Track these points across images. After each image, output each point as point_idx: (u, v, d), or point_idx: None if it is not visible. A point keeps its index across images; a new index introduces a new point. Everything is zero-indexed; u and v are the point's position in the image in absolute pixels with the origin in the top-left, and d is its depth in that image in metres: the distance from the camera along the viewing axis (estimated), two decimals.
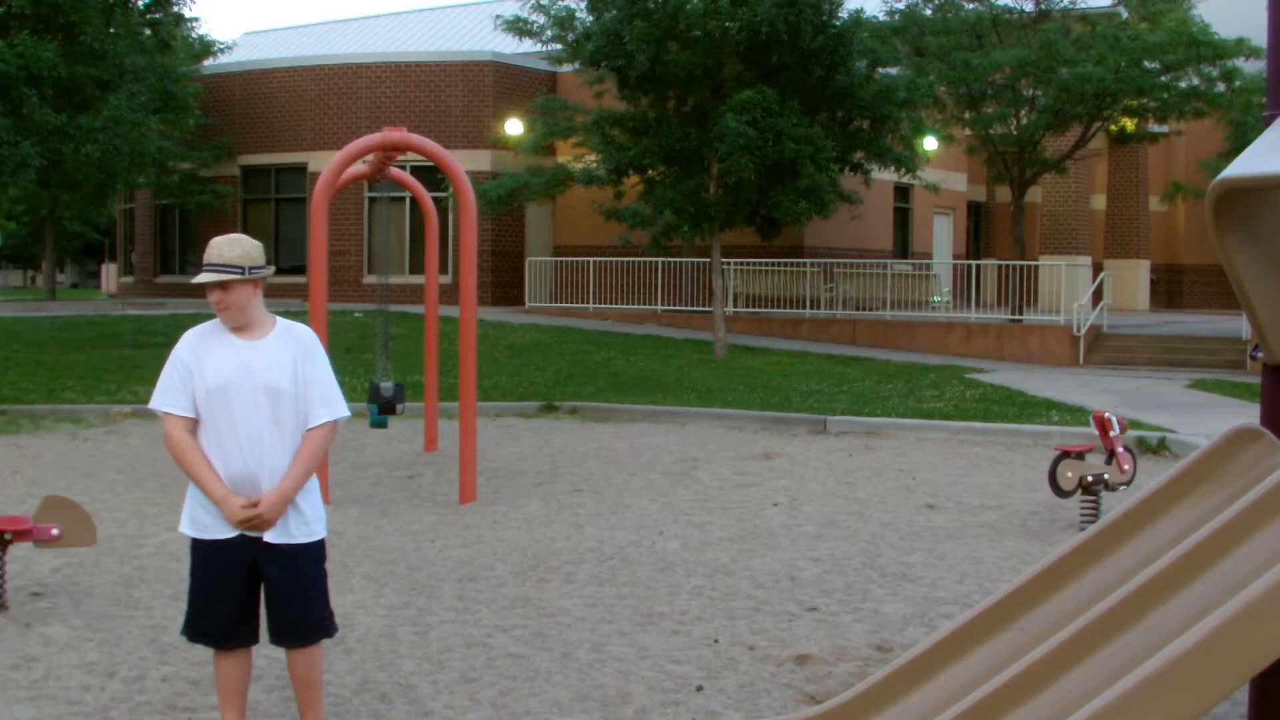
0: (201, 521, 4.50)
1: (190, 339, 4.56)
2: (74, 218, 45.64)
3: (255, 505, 4.42)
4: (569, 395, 16.12)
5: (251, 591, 4.55)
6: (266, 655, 5.43)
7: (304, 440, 4.54)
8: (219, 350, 4.50)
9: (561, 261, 27.17)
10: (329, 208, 9.76)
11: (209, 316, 4.63)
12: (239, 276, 4.49)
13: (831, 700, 4.56)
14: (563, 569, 7.62)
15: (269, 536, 4.47)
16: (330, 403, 4.60)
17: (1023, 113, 24.18)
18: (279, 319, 4.65)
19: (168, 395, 4.50)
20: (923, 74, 22.61)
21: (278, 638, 4.61)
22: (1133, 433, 11.85)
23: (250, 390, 4.46)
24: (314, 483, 4.63)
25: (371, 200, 28.12)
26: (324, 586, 4.66)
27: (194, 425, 4.50)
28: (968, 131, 25.91)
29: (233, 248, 4.52)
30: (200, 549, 4.53)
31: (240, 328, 4.55)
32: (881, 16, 24.21)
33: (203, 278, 4.48)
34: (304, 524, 4.55)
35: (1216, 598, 3.80)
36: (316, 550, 4.61)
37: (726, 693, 5.46)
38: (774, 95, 19.62)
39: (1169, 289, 36.19)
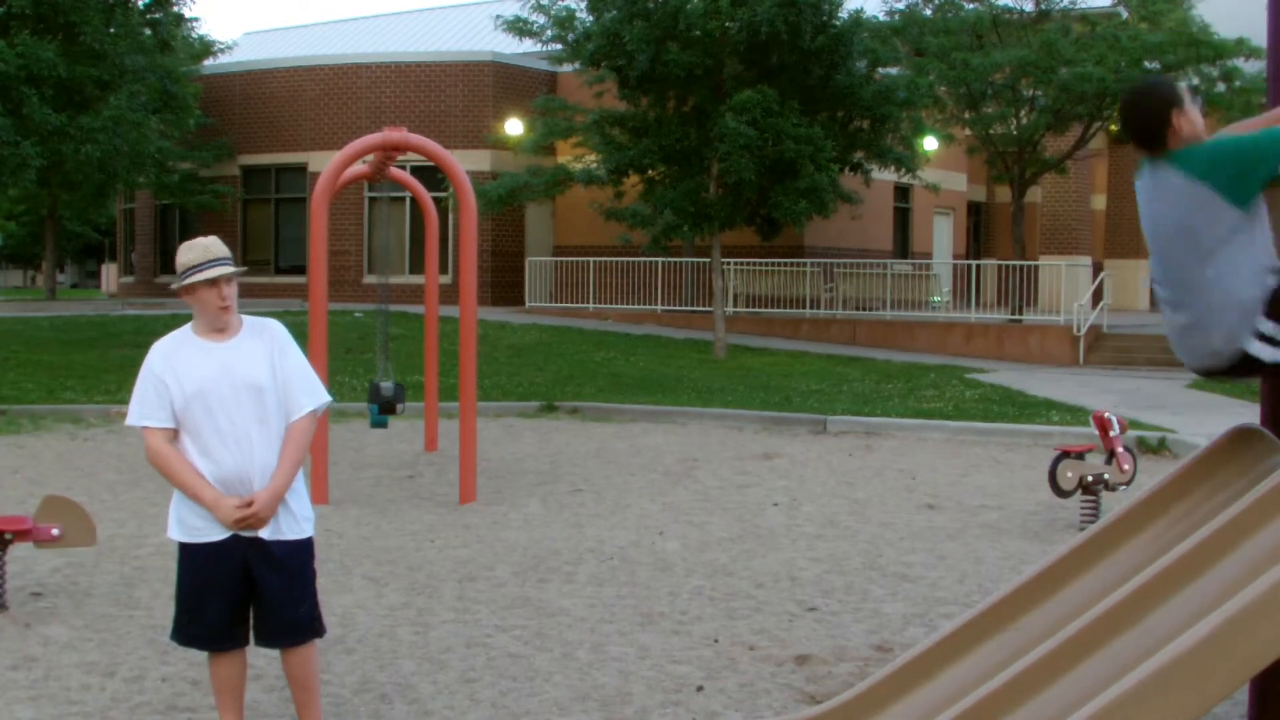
0: (191, 525, 4.48)
1: (160, 350, 4.52)
2: (74, 218, 45.65)
3: (249, 505, 4.41)
4: (569, 395, 16.12)
5: (244, 592, 4.54)
6: (267, 655, 5.43)
7: (289, 433, 4.53)
8: (192, 356, 4.47)
9: (561, 261, 27.17)
10: (329, 208, 9.76)
11: None
12: (236, 270, 4.53)
13: (831, 700, 4.55)
14: (563, 569, 7.62)
15: (263, 534, 4.48)
16: (312, 392, 4.60)
17: (1023, 113, 24.18)
18: (245, 317, 4.64)
19: (144, 409, 4.47)
20: (923, 74, 22.62)
21: (268, 638, 4.60)
22: (1133, 433, 11.84)
23: (231, 391, 4.44)
24: (300, 482, 4.63)
25: (371, 200, 28.12)
26: (314, 586, 4.67)
27: (174, 435, 4.48)
28: (968, 131, 25.90)
29: (219, 245, 4.53)
30: (191, 553, 4.50)
31: (218, 329, 4.53)
32: (881, 16, 24.21)
33: (218, 271, 4.44)
34: (294, 522, 4.56)
35: (1216, 598, 3.80)
36: (307, 548, 4.62)
37: (726, 693, 5.46)
38: (774, 95, 19.62)
39: None
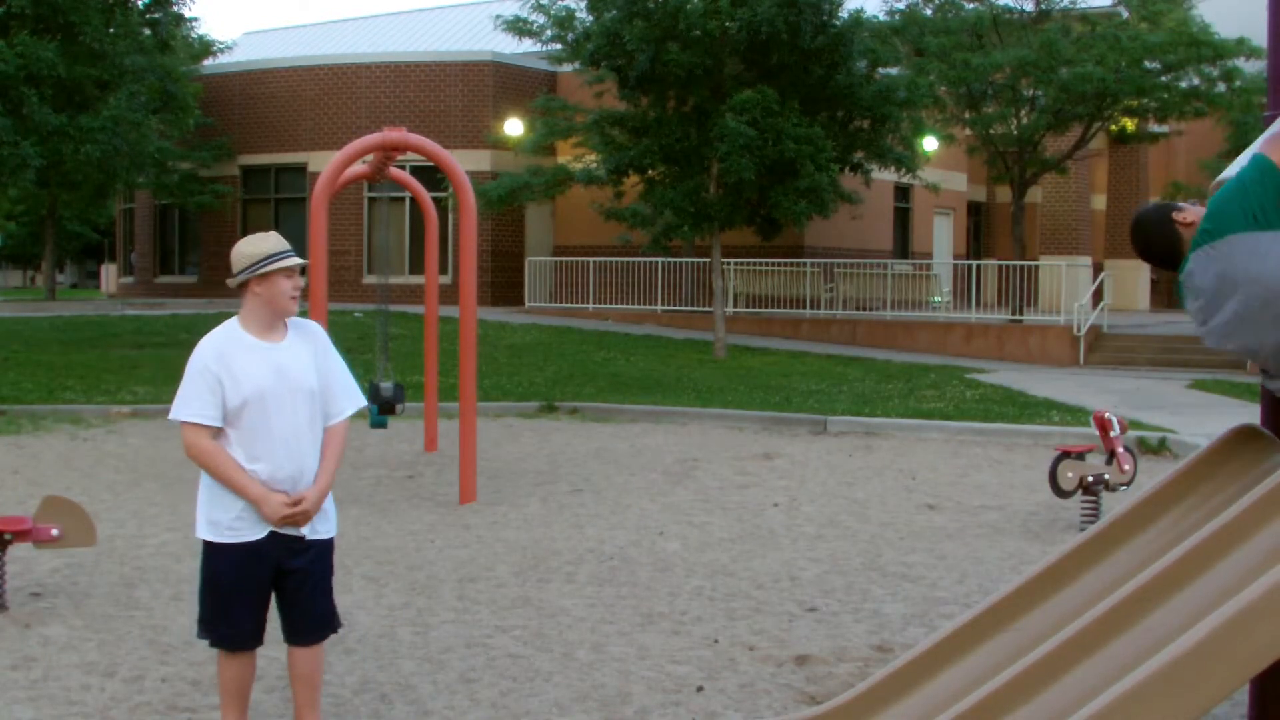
0: (226, 525, 4.47)
1: (213, 348, 4.47)
2: (74, 218, 45.65)
3: (298, 503, 4.45)
4: (569, 395, 16.12)
5: (270, 592, 4.57)
6: (266, 655, 5.42)
7: (330, 434, 4.62)
8: (247, 357, 4.47)
9: (561, 261, 27.17)
10: (329, 208, 9.76)
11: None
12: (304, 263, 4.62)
13: (831, 700, 4.55)
14: (563, 569, 7.62)
15: (303, 531, 4.52)
16: (351, 395, 4.72)
17: (1023, 113, 24.18)
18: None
19: (195, 406, 4.43)
20: (923, 74, 22.61)
21: (298, 635, 4.61)
22: (1133, 433, 11.84)
23: (288, 394, 4.47)
24: None
25: (371, 200, 28.12)
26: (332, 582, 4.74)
27: (217, 433, 4.48)
28: (968, 131, 25.90)
29: (284, 239, 4.61)
30: (227, 553, 4.48)
31: (272, 326, 4.54)
32: (881, 16, 24.20)
33: (297, 260, 4.50)
34: (326, 519, 4.63)
35: (1216, 598, 3.80)
36: (332, 545, 4.71)
37: (726, 693, 5.46)
38: (774, 95, 19.62)
39: (1169, 289, 36.14)
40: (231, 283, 4.56)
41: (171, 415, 4.52)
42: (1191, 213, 4.25)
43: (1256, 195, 4.09)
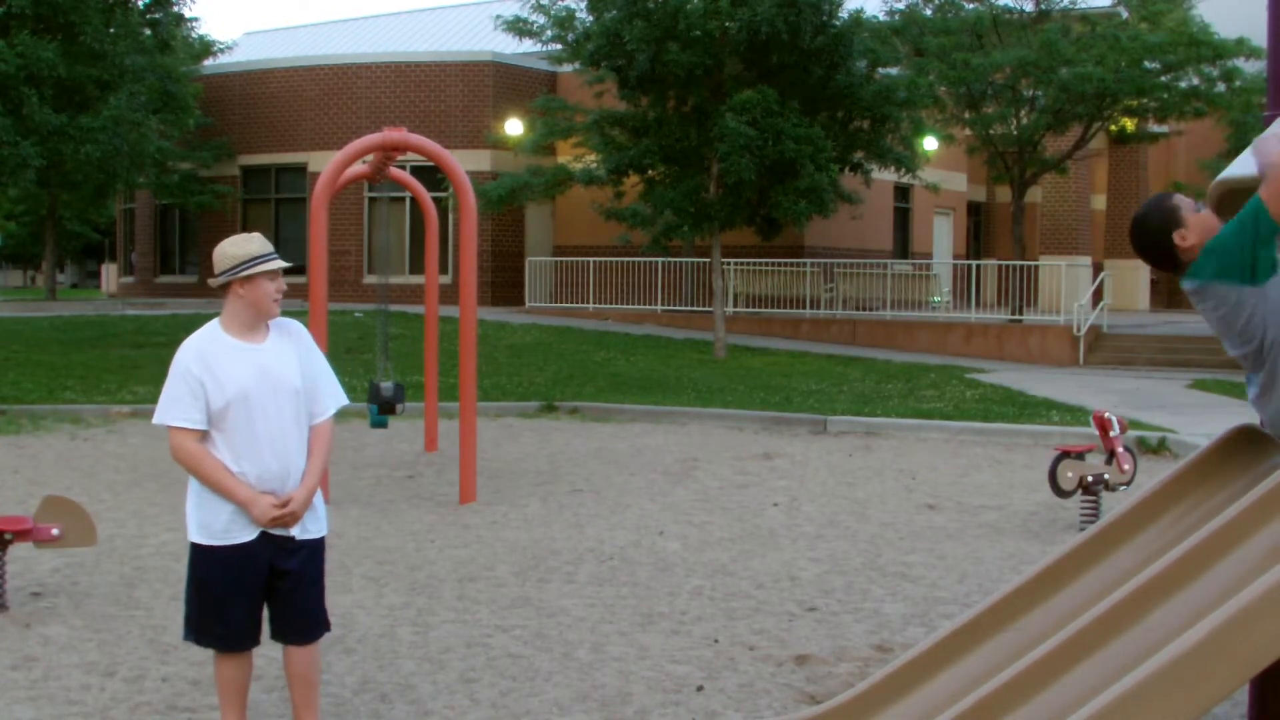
0: (218, 528, 4.46)
1: (195, 350, 4.47)
2: (74, 218, 45.61)
3: (285, 504, 4.45)
4: (569, 395, 16.12)
5: (264, 592, 4.56)
6: (266, 655, 5.43)
7: (316, 433, 4.61)
8: (230, 357, 4.46)
9: (561, 261, 27.17)
10: (329, 208, 9.76)
11: (207, 318, 4.63)
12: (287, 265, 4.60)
13: (831, 700, 4.55)
14: (563, 569, 7.62)
15: (293, 532, 4.52)
16: (335, 394, 4.71)
17: (1023, 113, 24.18)
18: None
19: (178, 409, 4.43)
20: (923, 74, 22.62)
21: (291, 635, 4.61)
22: (1133, 433, 11.84)
23: (272, 393, 4.46)
24: None
25: (371, 200, 28.12)
26: (324, 581, 4.74)
27: (203, 436, 4.47)
28: (968, 131, 25.90)
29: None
30: (218, 555, 4.47)
31: (253, 328, 4.53)
32: (881, 16, 24.22)
33: (280, 263, 4.51)
34: (316, 519, 4.62)
35: (1216, 598, 3.80)
36: (323, 545, 4.70)
37: (726, 693, 5.46)
38: (774, 95, 19.62)
39: (1169, 289, 36.15)
40: (214, 283, 4.54)
41: (155, 419, 4.52)
42: (1193, 233, 4.25)
43: (1250, 236, 4.13)
